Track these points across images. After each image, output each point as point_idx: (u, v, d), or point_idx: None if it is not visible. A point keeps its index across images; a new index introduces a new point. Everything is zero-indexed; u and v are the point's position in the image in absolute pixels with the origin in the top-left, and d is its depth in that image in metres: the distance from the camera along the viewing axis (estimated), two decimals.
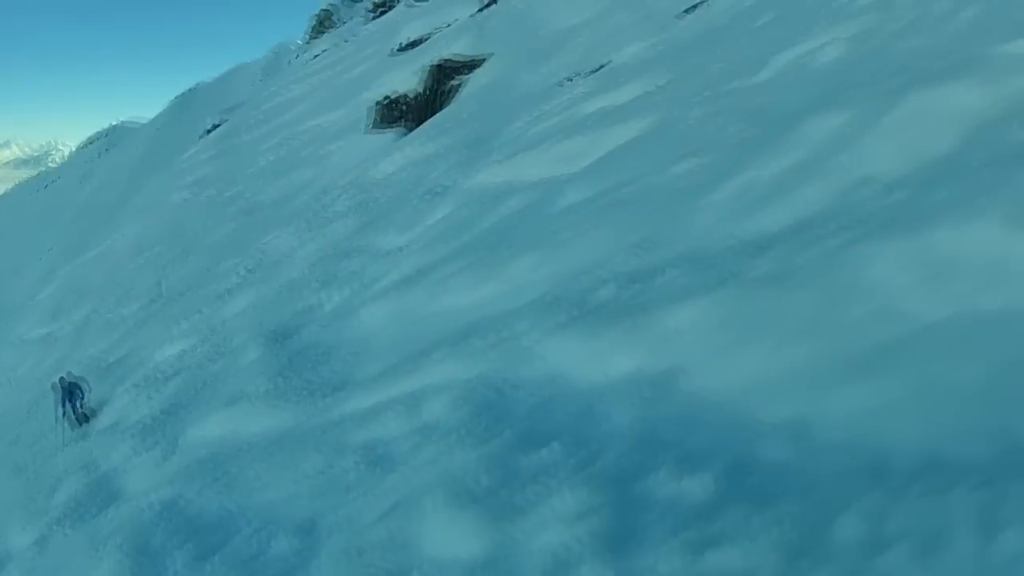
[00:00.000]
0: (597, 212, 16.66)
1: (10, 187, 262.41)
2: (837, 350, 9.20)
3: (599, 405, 10.61)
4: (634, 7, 43.46)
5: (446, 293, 17.02)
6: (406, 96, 51.50)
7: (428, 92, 50.50)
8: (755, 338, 10.03)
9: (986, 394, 7.71)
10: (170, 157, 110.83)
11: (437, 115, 45.82)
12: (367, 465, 12.45)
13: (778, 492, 7.83)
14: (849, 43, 19.40)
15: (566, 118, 26.34)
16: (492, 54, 49.42)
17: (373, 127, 51.93)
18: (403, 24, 77.11)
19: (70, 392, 26.82)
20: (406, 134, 46.45)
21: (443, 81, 50.15)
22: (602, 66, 33.05)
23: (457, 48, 52.23)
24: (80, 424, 26.31)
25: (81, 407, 26.72)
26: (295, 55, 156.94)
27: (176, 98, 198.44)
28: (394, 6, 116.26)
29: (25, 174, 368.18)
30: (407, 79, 52.65)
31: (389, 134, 49.01)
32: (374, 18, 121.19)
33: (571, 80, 33.57)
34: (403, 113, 50.79)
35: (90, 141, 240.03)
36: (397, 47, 70.45)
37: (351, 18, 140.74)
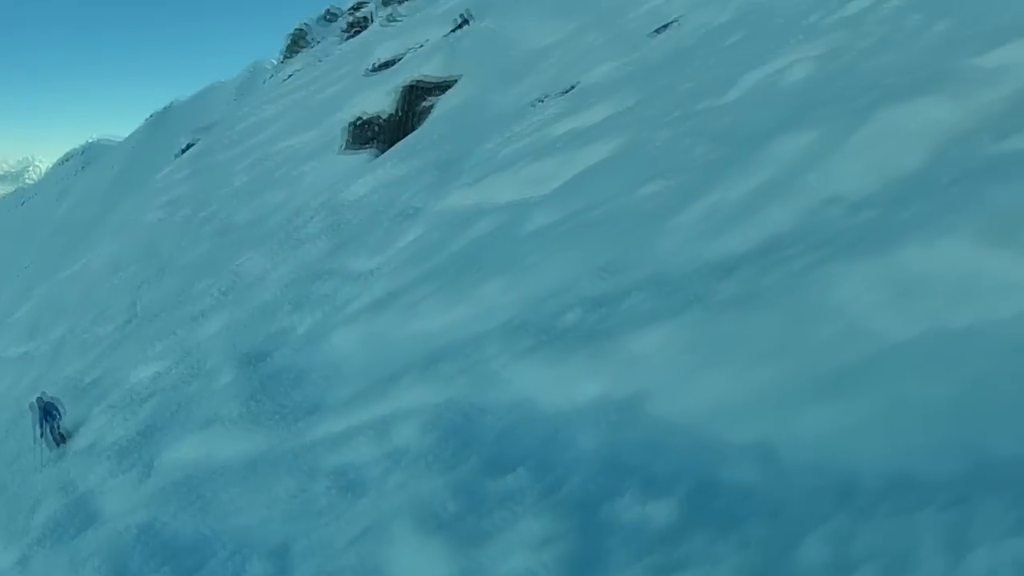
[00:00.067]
0: (565, 235, 16.72)
1: None
2: (803, 371, 9.25)
3: (565, 430, 10.69)
4: (605, 27, 43.46)
5: (416, 317, 17.06)
6: (378, 117, 51.42)
7: (400, 113, 50.39)
8: (721, 361, 10.08)
9: (956, 411, 7.75)
10: (145, 175, 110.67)
11: (409, 136, 45.73)
12: (338, 490, 12.52)
13: (744, 515, 7.90)
14: (818, 61, 19.42)
15: (536, 140, 26.38)
16: (464, 75, 49.37)
17: (346, 148, 51.95)
18: (376, 44, 76.93)
19: (46, 412, 26.82)
20: (378, 155, 46.51)
21: (415, 102, 50.05)
22: (573, 87, 33.07)
23: (430, 68, 52.14)
24: (57, 445, 26.29)
25: (58, 427, 26.70)
26: (269, 74, 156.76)
27: (151, 116, 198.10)
28: (368, 26, 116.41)
29: (2, 191, 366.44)
30: (380, 99, 52.60)
31: (361, 155, 48.94)
32: (348, 38, 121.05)
33: (542, 101, 33.55)
34: (375, 134, 50.73)
35: (66, 158, 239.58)
36: (370, 67, 70.33)
37: (325, 38, 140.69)
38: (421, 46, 63.57)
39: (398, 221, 26.79)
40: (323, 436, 14.68)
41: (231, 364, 21.83)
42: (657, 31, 35.55)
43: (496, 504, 9.89)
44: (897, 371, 8.60)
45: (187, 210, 58.67)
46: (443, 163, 32.39)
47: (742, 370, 9.78)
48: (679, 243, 13.65)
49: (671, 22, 35.62)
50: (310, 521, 12.36)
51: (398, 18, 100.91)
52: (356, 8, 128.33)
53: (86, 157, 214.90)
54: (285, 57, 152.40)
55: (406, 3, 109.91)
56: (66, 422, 27.05)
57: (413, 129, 47.19)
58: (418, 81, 51.47)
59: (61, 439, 26.42)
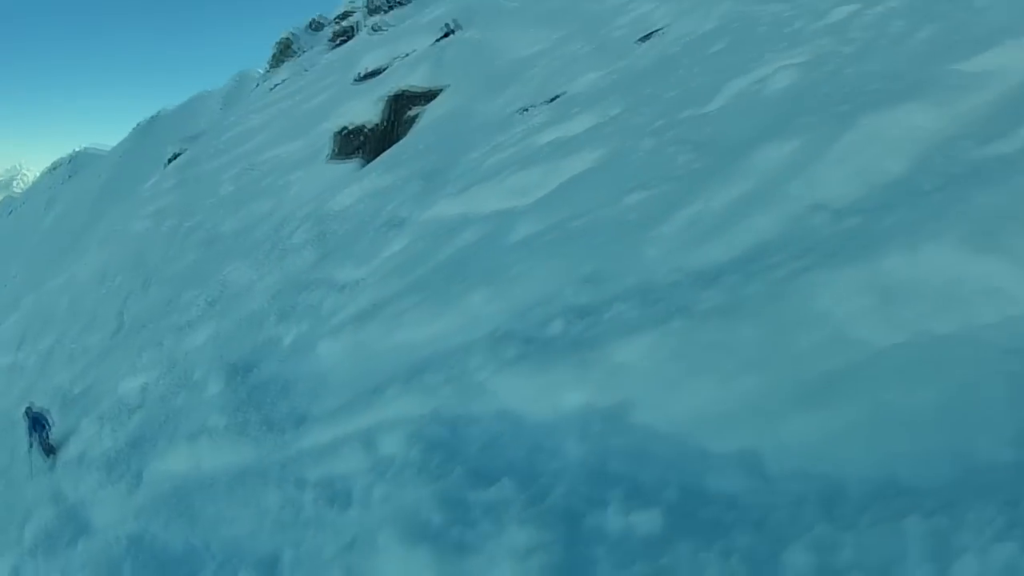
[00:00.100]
0: (549, 245, 16.72)
1: None
2: (788, 379, 9.29)
3: (550, 440, 10.73)
4: (590, 36, 43.43)
5: (401, 327, 17.04)
6: (365, 126, 51.40)
7: (386, 122, 50.33)
8: (705, 370, 10.11)
9: (942, 417, 7.81)
10: (132, 185, 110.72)
11: (395, 146, 45.60)
12: (326, 501, 12.53)
13: (729, 523, 7.94)
14: (802, 68, 19.37)
15: (521, 149, 26.33)
16: (450, 84, 49.27)
17: (332, 158, 51.96)
18: (363, 53, 76.89)
19: (35, 423, 26.78)
20: (365, 165, 46.47)
21: (401, 111, 49.96)
22: (558, 96, 32.99)
23: (415, 78, 52.01)
24: (47, 455, 26.26)
25: (47, 438, 26.65)
26: (256, 84, 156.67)
27: (138, 126, 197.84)
28: (354, 35, 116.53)
29: None
30: (366, 109, 52.55)
31: (348, 165, 48.93)
32: (334, 47, 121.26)
33: (527, 110, 33.44)
34: (361, 143, 50.69)
35: (54, 167, 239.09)
36: (356, 77, 70.30)
37: (312, 47, 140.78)
38: (407, 55, 63.50)
39: (384, 231, 26.80)
40: (310, 447, 14.70)
41: (218, 375, 21.79)
42: (642, 39, 35.51)
43: (481, 514, 9.93)
44: (881, 378, 8.64)
45: (174, 220, 58.57)
46: (429, 173, 32.37)
47: (726, 379, 9.82)
48: (663, 252, 13.67)
49: (656, 30, 35.60)
50: (298, 532, 12.40)
51: (384, 27, 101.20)
52: (342, 17, 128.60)
53: (73, 166, 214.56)
54: (272, 66, 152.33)
55: (392, 12, 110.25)
56: (56, 432, 26.93)
57: (399, 139, 47.09)
58: (404, 91, 51.40)
59: (51, 450, 26.34)
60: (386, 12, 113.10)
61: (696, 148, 17.55)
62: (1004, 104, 13.44)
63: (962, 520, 6.56)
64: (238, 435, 17.24)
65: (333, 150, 52.86)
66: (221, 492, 15.31)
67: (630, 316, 12.12)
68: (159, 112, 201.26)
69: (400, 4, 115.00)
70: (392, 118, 50.33)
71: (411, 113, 49.14)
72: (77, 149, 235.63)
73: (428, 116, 47.50)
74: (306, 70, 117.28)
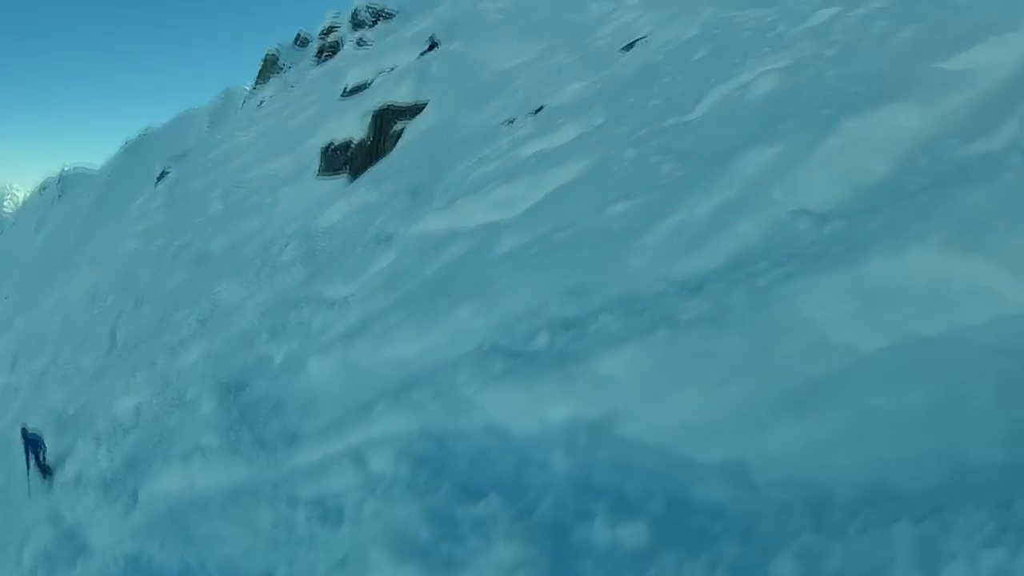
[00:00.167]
0: (534, 258, 16.73)
1: None
2: (772, 386, 9.30)
3: (536, 454, 10.75)
4: (574, 46, 43.40)
5: (389, 344, 17.04)
6: (351, 142, 51.39)
7: (372, 138, 50.33)
8: (689, 380, 10.13)
9: (931, 420, 7.83)
10: (121, 204, 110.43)
11: (381, 161, 45.64)
12: (318, 519, 12.54)
13: (715, 534, 7.96)
14: (784, 73, 19.34)
15: (505, 162, 26.33)
16: (434, 98, 49.18)
17: (319, 174, 51.92)
18: (347, 69, 76.72)
19: (31, 444, 26.79)
20: (352, 180, 46.66)
21: (386, 126, 49.88)
22: (542, 107, 32.94)
23: (400, 93, 51.88)
24: (44, 476, 26.24)
25: (43, 459, 26.64)
26: (243, 100, 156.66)
27: (126, 144, 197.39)
28: (339, 50, 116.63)
29: None
30: (351, 125, 52.48)
31: (335, 181, 49.01)
32: (320, 63, 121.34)
33: (511, 122, 33.37)
34: (348, 159, 50.69)
35: (43, 187, 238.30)
36: (342, 92, 70.29)
37: (297, 63, 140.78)
38: (391, 70, 63.39)
39: (371, 247, 26.85)
40: (302, 465, 14.71)
41: (211, 394, 21.75)
42: (625, 48, 35.47)
43: (469, 530, 9.96)
44: (867, 382, 8.68)
45: (163, 239, 58.63)
46: (415, 187, 32.46)
47: (711, 388, 9.85)
48: (646, 262, 13.69)
49: (639, 39, 35.55)
50: (292, 550, 12.41)
51: (368, 42, 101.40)
52: (327, 33, 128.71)
53: (62, 186, 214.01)
54: (258, 83, 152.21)
55: (377, 27, 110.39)
56: (52, 453, 26.94)
57: (385, 154, 47.09)
58: (389, 105, 51.31)
59: (47, 471, 26.32)
60: (370, 27, 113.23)
61: (679, 156, 17.56)
62: (988, 101, 13.45)
63: (952, 525, 6.55)
64: (231, 454, 17.23)
65: (320, 166, 52.92)
66: (215, 511, 15.29)
67: (614, 327, 12.15)
68: (146, 130, 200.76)
69: (384, 18, 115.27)
70: (378, 133, 50.29)
71: (397, 128, 49.08)
72: (65, 168, 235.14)
73: (413, 130, 47.44)
74: (292, 86, 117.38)
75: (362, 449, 13.42)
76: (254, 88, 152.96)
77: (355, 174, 47.39)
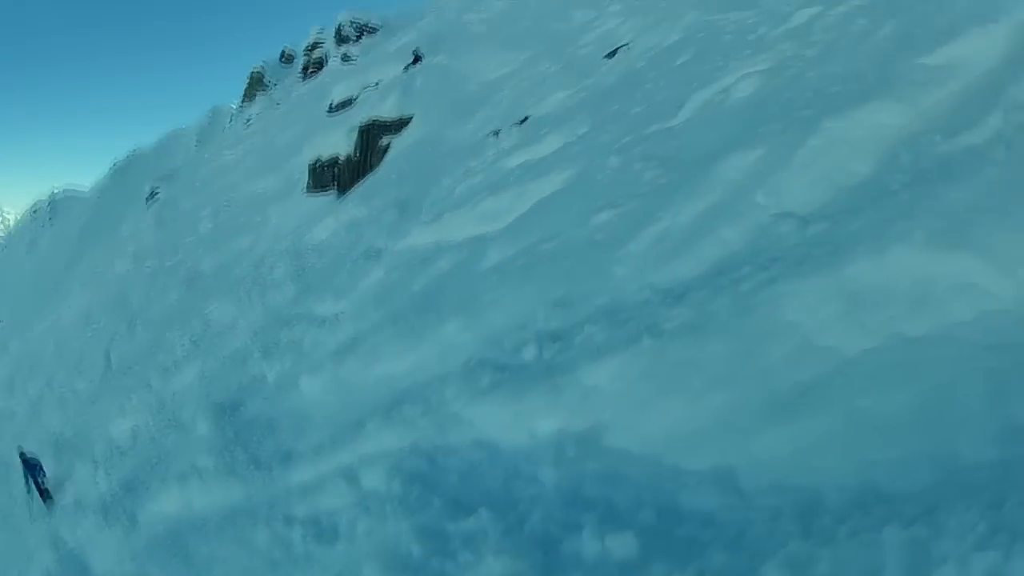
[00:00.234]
0: (519, 271, 16.77)
1: None
2: (758, 392, 9.33)
3: (526, 467, 10.80)
4: (557, 55, 43.33)
5: (379, 360, 17.09)
6: (338, 158, 51.34)
7: (359, 153, 50.30)
8: (674, 389, 10.16)
9: (920, 420, 7.84)
10: (111, 225, 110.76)
11: (368, 177, 45.62)
12: (313, 537, 12.57)
13: (704, 542, 7.98)
14: (764, 75, 19.30)
15: (491, 174, 26.35)
16: (419, 112, 49.02)
17: (307, 191, 51.88)
18: (333, 85, 76.50)
19: (30, 467, 26.83)
20: (340, 196, 46.62)
21: (372, 142, 49.76)
22: (526, 117, 32.89)
23: (385, 107, 51.70)
24: (44, 500, 26.27)
25: (42, 483, 26.67)
26: (229, 119, 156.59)
27: (115, 165, 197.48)
28: (324, 66, 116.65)
29: None
30: (338, 141, 52.39)
31: (323, 197, 48.97)
32: (305, 79, 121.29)
33: (497, 134, 33.20)
34: (336, 175, 50.65)
35: (34, 209, 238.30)
36: (328, 108, 70.22)
37: (283, 79, 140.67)
38: (376, 85, 63.31)
39: (360, 263, 26.93)
40: (296, 484, 14.74)
41: (206, 415, 21.78)
42: (608, 56, 35.37)
43: (460, 545, 10.01)
44: (854, 385, 8.70)
45: (154, 259, 58.61)
46: (402, 202, 32.49)
47: (696, 396, 9.88)
48: (631, 271, 13.72)
49: (622, 46, 35.44)
50: (289, 569, 12.45)
51: (353, 58, 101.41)
52: (312, 49, 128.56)
53: (53, 208, 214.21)
54: (244, 101, 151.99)
55: (361, 42, 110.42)
56: (51, 477, 26.98)
57: (372, 169, 47.05)
58: (375, 120, 51.18)
59: (47, 495, 26.35)
60: (355, 42, 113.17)
61: (662, 163, 17.59)
62: (971, 94, 13.43)
63: (942, 527, 6.56)
64: (227, 475, 17.28)
65: (308, 183, 52.89)
66: (213, 532, 15.33)
67: (600, 338, 12.19)
68: (135, 150, 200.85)
69: (368, 33, 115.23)
70: (364, 149, 50.22)
71: (383, 143, 48.97)
72: (55, 190, 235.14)
73: (399, 145, 47.34)
74: (278, 103, 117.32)
75: (355, 467, 13.48)
76: (241, 106, 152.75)
77: (343, 190, 47.40)
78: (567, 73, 37.39)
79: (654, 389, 10.36)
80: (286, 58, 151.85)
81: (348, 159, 50.91)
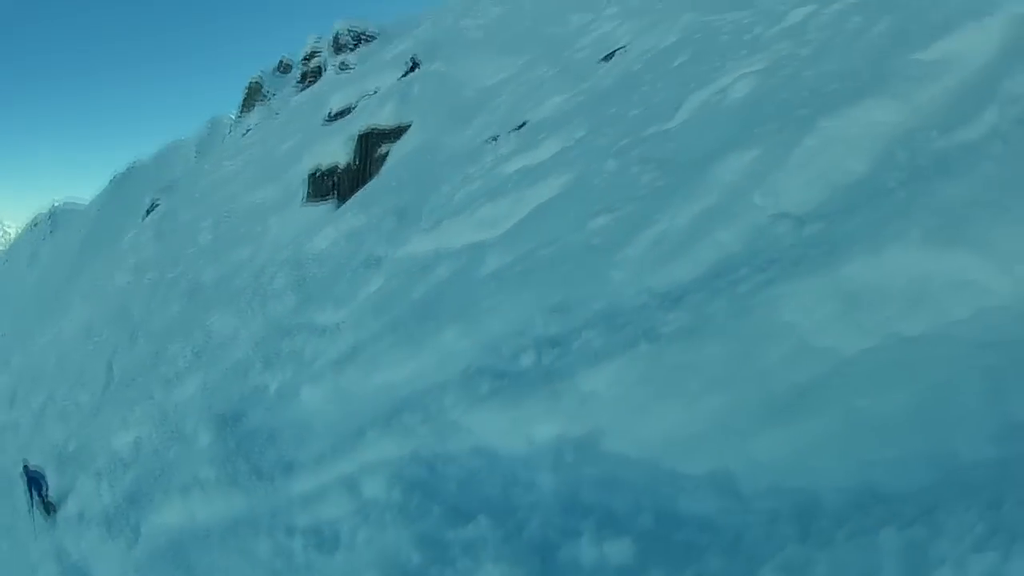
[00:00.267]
0: (517, 277, 16.76)
1: None
2: (755, 395, 9.30)
3: (524, 473, 10.80)
4: (554, 59, 43.32)
5: (378, 369, 17.10)
6: (336, 167, 51.27)
7: (357, 162, 50.22)
8: (670, 393, 10.15)
9: (918, 419, 7.80)
10: (112, 238, 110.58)
11: (367, 185, 45.48)
12: (314, 547, 12.62)
13: (703, 546, 7.97)
14: (760, 75, 19.23)
15: (489, 180, 26.31)
16: (417, 119, 48.92)
17: (306, 200, 51.78)
18: (330, 93, 76.47)
19: (32, 481, 26.86)
20: (339, 205, 46.48)
21: (371, 150, 49.71)
22: (524, 123, 32.78)
23: (383, 115, 51.62)
24: (48, 513, 26.29)
25: (45, 497, 26.69)
26: (228, 129, 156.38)
27: (114, 177, 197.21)
28: (321, 75, 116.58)
29: None
30: (337, 149, 52.35)
31: (322, 206, 48.81)
32: (303, 88, 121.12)
33: (495, 139, 33.21)
34: (335, 184, 50.58)
35: (34, 223, 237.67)
36: (326, 117, 70.12)
37: (280, 89, 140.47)
38: (374, 92, 63.25)
39: (360, 271, 26.96)
40: (298, 494, 14.78)
41: (208, 426, 21.86)
42: (605, 59, 35.31)
43: (459, 552, 10.05)
44: (852, 385, 8.68)
45: (155, 271, 58.57)
46: (401, 210, 32.48)
47: (693, 400, 9.85)
48: (628, 276, 13.70)
49: (618, 48, 35.40)
50: None
51: (350, 66, 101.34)
52: (309, 58, 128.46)
53: (53, 221, 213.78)
54: (243, 111, 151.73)
55: (358, 50, 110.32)
56: (55, 490, 27.07)
57: (371, 177, 46.95)
58: (373, 128, 51.09)
59: (51, 508, 26.38)
60: (351, 50, 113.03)
61: (659, 166, 17.56)
62: (967, 89, 13.36)
63: (940, 528, 6.53)
64: (229, 486, 17.32)
65: (307, 192, 52.82)
66: (215, 543, 15.39)
67: (597, 343, 12.18)
68: (134, 163, 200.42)
69: (365, 41, 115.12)
70: (363, 157, 50.13)
71: (381, 151, 48.87)
72: (56, 204, 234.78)
73: (398, 152, 47.22)
74: (277, 113, 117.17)
75: (355, 476, 13.51)
76: (239, 116, 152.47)
77: (342, 199, 47.31)
78: (564, 77, 37.34)
79: (651, 393, 10.34)
80: (284, 67, 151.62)
81: (347, 167, 50.86)
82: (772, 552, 7.35)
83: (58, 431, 36.98)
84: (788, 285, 10.52)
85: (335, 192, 49.89)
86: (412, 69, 61.24)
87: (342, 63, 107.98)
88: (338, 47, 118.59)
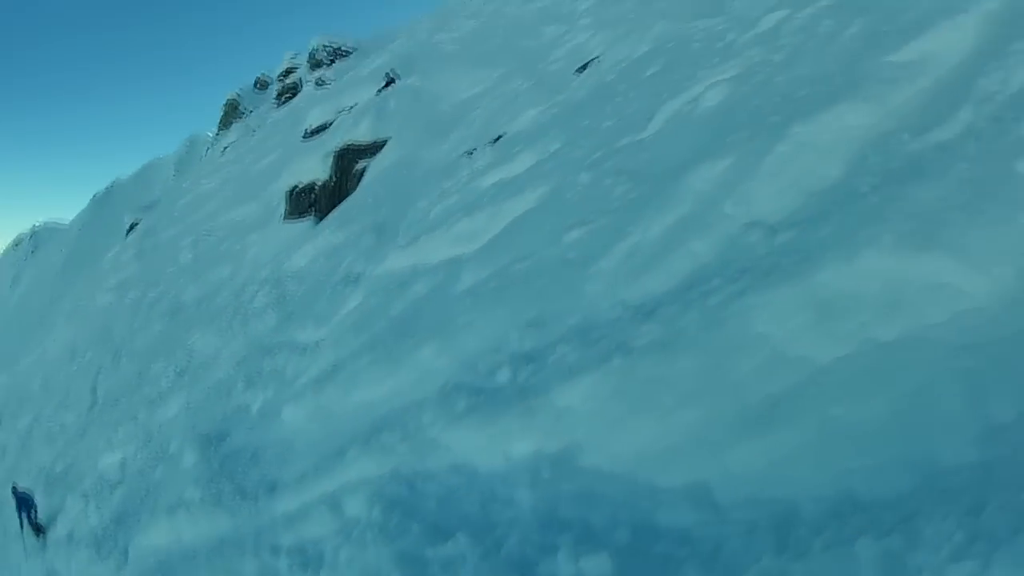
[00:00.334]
0: (493, 292, 16.77)
1: None
2: (729, 407, 9.34)
3: (502, 489, 10.85)
4: (529, 72, 43.31)
5: (358, 388, 17.12)
6: (315, 184, 51.08)
7: (335, 178, 50.10)
8: (644, 407, 10.18)
9: (896, 425, 7.85)
10: (94, 257, 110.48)
11: (345, 201, 45.29)
12: (299, 566, 12.71)
13: (680, 559, 8.04)
14: (732, 83, 19.16)
15: (466, 194, 26.27)
16: (394, 134, 48.72)
17: (286, 217, 51.62)
18: (308, 110, 76.05)
19: (22, 502, 26.86)
20: (318, 222, 46.21)
21: (348, 166, 49.43)
22: (500, 136, 32.70)
23: (360, 131, 51.33)
24: (37, 535, 26.30)
25: (34, 519, 26.70)
26: (207, 147, 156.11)
27: (95, 197, 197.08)
28: (298, 91, 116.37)
29: None
30: (314, 166, 52.10)
31: (301, 224, 48.55)
32: (280, 105, 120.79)
33: (471, 153, 33.15)
34: (313, 201, 50.30)
35: (16, 243, 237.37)
36: (304, 133, 69.90)
37: (258, 106, 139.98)
38: (351, 108, 63.10)
39: (340, 288, 27.10)
40: (282, 514, 14.85)
41: (192, 446, 21.94)
42: (579, 70, 35.38)
43: (439, 570, 10.15)
44: (827, 394, 8.72)
45: (137, 291, 58.37)
46: (379, 226, 32.56)
47: (667, 413, 9.89)
48: (602, 288, 13.72)
49: (592, 59, 35.52)
50: None
51: (327, 82, 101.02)
52: (286, 74, 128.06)
53: (35, 241, 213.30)
54: (221, 128, 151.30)
55: (334, 66, 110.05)
56: (43, 512, 27.08)
57: (349, 193, 46.76)
58: (350, 145, 50.89)
59: (40, 529, 26.39)
60: (328, 66, 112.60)
61: (632, 177, 17.55)
62: (941, 88, 13.39)
63: (918, 537, 6.58)
64: (214, 506, 17.41)
65: (286, 209, 52.63)
66: (202, 564, 15.50)
67: (572, 358, 12.21)
68: (114, 182, 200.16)
69: (342, 56, 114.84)
70: (341, 173, 49.85)
71: (359, 167, 48.66)
72: (37, 224, 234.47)
73: (376, 168, 47.04)
74: (254, 130, 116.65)
75: (337, 495, 13.59)
76: (217, 134, 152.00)
77: (321, 215, 47.08)
78: (539, 89, 37.30)
79: (626, 408, 10.38)
80: (261, 84, 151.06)
81: (325, 184, 50.66)
82: (749, 563, 7.39)
83: (45, 453, 36.96)
84: (761, 295, 10.54)
85: (314, 209, 49.67)
86: (388, 84, 61.01)
87: (319, 79, 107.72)
88: (315, 63, 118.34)
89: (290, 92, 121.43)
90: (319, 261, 35.07)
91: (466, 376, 14.06)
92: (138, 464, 25.26)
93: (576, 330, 12.94)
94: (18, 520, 26.81)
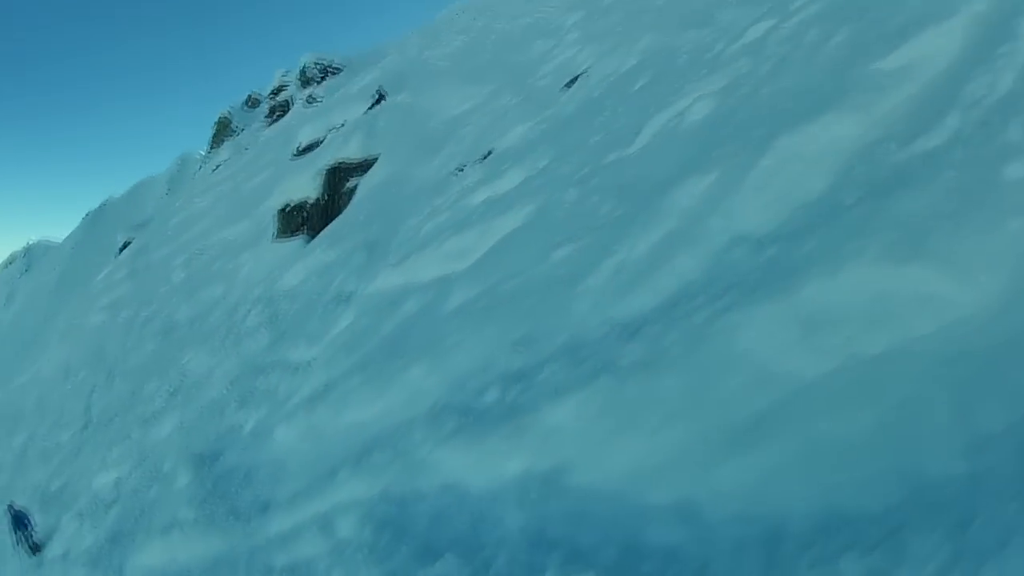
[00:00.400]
0: (482, 312, 16.79)
1: None
2: (715, 425, 9.34)
3: (492, 509, 10.87)
4: (517, 87, 43.41)
5: (348, 408, 17.18)
6: (306, 202, 50.98)
7: (326, 196, 50.03)
8: (632, 426, 10.19)
9: (882, 439, 7.84)
10: (87, 276, 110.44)
11: (336, 219, 45.20)
12: None
13: None
14: (718, 96, 19.14)
15: (456, 212, 26.33)
16: (384, 152, 48.65)
17: (277, 236, 51.53)
18: (298, 128, 75.73)
19: (17, 521, 26.85)
20: (309, 241, 46.16)
21: (339, 184, 49.33)
22: (490, 152, 32.86)
23: (350, 149, 51.27)
24: (33, 553, 26.29)
25: (31, 537, 26.69)
26: (199, 166, 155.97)
27: (87, 215, 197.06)
28: (289, 109, 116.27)
29: None
30: (305, 184, 52.00)
31: (293, 242, 48.47)
32: (271, 123, 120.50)
33: (461, 170, 33.40)
34: (305, 219, 50.18)
35: (9, 261, 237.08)
36: (294, 152, 69.66)
37: (249, 124, 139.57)
38: (342, 125, 63.08)
39: (331, 307, 27.13)
40: (275, 534, 14.90)
41: (186, 466, 22.08)
42: (567, 85, 35.51)
43: None
44: (813, 409, 8.71)
45: (129, 310, 58.32)
46: (370, 244, 32.52)
47: (654, 432, 9.89)
48: (589, 307, 13.73)
49: (580, 74, 35.63)
50: None
51: (318, 99, 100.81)
52: (276, 92, 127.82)
53: (28, 260, 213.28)
54: (212, 146, 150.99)
55: (325, 83, 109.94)
56: (40, 530, 27.20)
57: (340, 211, 46.68)
58: (340, 163, 50.79)
59: (36, 548, 26.38)
60: (318, 83, 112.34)
61: (619, 193, 17.60)
62: (928, 95, 13.27)
63: (904, 553, 6.58)
64: (207, 526, 17.48)
65: (278, 228, 52.54)
66: None
67: (560, 377, 12.22)
68: (106, 201, 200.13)
69: (332, 73, 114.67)
70: (332, 191, 49.74)
71: (350, 184, 48.55)
72: (30, 242, 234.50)
73: (366, 186, 46.92)
74: (246, 148, 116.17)
75: (329, 515, 13.66)
76: (209, 152, 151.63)
77: (312, 234, 46.99)
78: (528, 105, 37.33)
79: (613, 426, 10.40)
80: (252, 102, 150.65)
81: (316, 202, 50.56)
82: None
83: (40, 471, 36.95)
84: (745, 312, 10.55)
85: (305, 227, 49.59)
86: (378, 101, 61.00)
87: (310, 96, 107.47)
88: (305, 80, 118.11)
89: (281, 110, 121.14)
90: (311, 280, 35.07)
91: (455, 396, 14.09)
92: (132, 483, 25.22)
93: (564, 349, 12.96)
94: (12, 538, 26.78)
